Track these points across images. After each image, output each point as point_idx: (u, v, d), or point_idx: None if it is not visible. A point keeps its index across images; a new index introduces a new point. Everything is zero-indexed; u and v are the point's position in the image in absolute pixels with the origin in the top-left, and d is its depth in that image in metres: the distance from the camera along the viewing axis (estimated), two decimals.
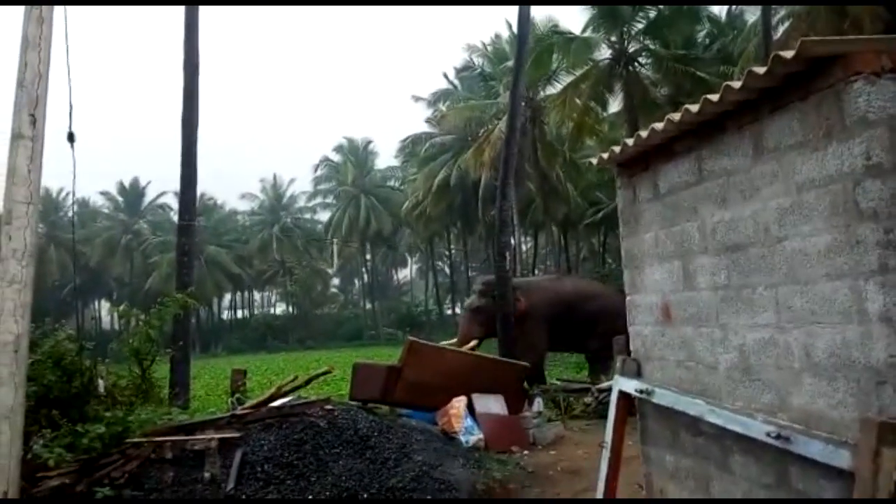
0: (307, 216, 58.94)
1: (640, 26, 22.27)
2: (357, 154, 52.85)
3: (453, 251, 53.09)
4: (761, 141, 3.24)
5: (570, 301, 13.52)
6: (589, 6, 22.22)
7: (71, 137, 6.08)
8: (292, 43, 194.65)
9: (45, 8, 5.34)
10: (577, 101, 22.68)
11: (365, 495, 5.94)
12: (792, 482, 3.09)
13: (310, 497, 5.89)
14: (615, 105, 24.03)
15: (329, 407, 7.19)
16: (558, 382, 12.50)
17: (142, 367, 8.09)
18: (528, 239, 43.64)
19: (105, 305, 58.73)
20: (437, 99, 37.48)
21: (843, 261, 2.76)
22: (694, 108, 3.48)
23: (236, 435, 6.50)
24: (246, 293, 64.80)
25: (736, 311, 3.46)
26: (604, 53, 22.95)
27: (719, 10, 23.70)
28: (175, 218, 20.76)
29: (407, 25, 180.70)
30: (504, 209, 13.64)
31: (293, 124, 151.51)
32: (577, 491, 6.54)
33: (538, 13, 23.27)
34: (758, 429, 3.15)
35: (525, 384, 10.48)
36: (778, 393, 3.17)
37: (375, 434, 6.83)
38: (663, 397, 4.06)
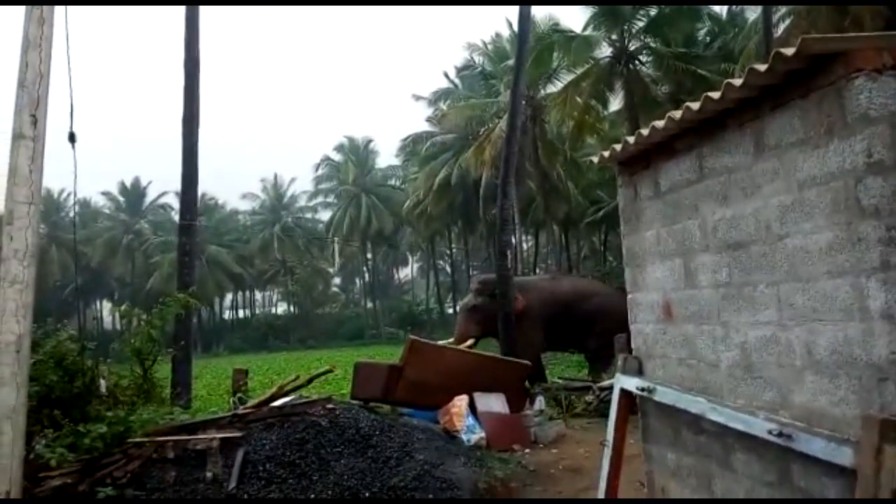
0: (308, 215, 58.98)
1: (641, 24, 22.24)
2: (358, 153, 52.86)
3: (454, 250, 53.08)
4: (762, 138, 3.24)
5: (566, 300, 13.52)
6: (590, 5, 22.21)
7: (72, 137, 6.09)
8: (292, 42, 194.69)
9: (45, 8, 5.34)
10: (578, 99, 22.66)
11: (367, 494, 5.94)
12: (794, 480, 3.09)
13: (311, 496, 5.89)
14: (616, 103, 24.00)
15: (331, 406, 7.20)
16: (560, 381, 12.50)
17: (143, 367, 8.11)
18: (529, 238, 43.63)
19: (107, 305, 58.75)
20: (437, 98, 37.47)
21: (845, 258, 2.75)
22: (695, 105, 3.47)
23: (238, 434, 6.51)
24: (247, 293, 64.83)
25: (737, 308, 3.46)
26: (604, 51, 22.92)
27: (720, 8, 23.68)
28: (176, 218, 20.78)
29: (407, 24, 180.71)
30: (505, 208, 13.63)
31: (294, 124, 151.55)
32: (578, 489, 6.55)
33: (539, 11, 23.27)
34: (759, 426, 3.15)
35: (526, 383, 10.48)
36: (780, 391, 3.17)
37: (377, 433, 6.84)
38: (665, 395, 4.06)
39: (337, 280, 68.30)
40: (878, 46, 2.70)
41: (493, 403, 8.87)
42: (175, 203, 47.76)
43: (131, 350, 8.07)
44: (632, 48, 22.81)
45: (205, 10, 12.62)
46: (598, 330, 12.93)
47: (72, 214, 51.60)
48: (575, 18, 32.17)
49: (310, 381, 8.84)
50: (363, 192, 49.73)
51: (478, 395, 8.77)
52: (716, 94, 3.29)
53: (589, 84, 22.38)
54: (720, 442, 3.65)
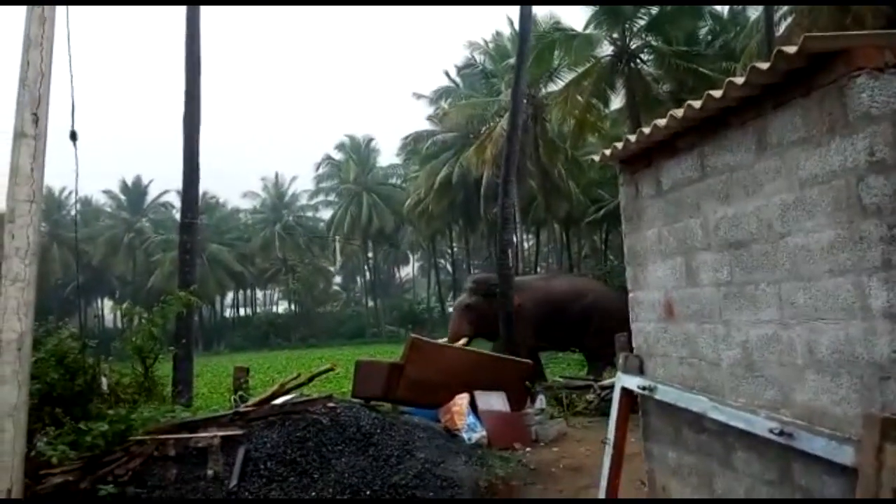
0: (309, 214, 59.00)
1: (643, 23, 22.19)
2: (359, 152, 52.84)
3: (455, 249, 53.05)
4: (764, 137, 3.23)
5: (560, 299, 13.53)
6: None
7: (73, 136, 6.10)
8: (293, 41, 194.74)
9: (47, 7, 5.34)
10: (579, 98, 22.62)
11: (367, 492, 5.95)
12: (795, 479, 3.09)
13: (312, 494, 5.90)
14: (617, 102, 23.95)
15: (332, 404, 7.20)
16: (561, 380, 12.50)
17: (145, 365, 8.11)
18: (531, 236, 43.60)
19: (108, 304, 58.72)
20: (438, 96, 37.43)
21: (847, 257, 2.75)
22: (697, 104, 3.47)
23: (239, 432, 6.52)
24: (248, 291, 64.84)
25: (739, 307, 3.46)
26: (606, 50, 22.88)
27: (722, 7, 23.63)
28: (177, 216, 20.78)
29: (408, 23, 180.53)
30: (506, 207, 13.63)
31: (295, 123, 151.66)
32: (579, 488, 6.55)
33: (540, 10, 23.19)
34: (761, 425, 3.15)
35: (527, 381, 10.48)
36: (781, 389, 3.17)
37: (378, 431, 6.84)
38: (666, 394, 4.06)
39: (338, 279, 68.31)
40: (879, 45, 2.70)
41: (494, 402, 8.87)
42: (176, 201, 47.82)
43: (132, 348, 8.08)
44: (633, 47, 22.77)
45: (205, 10, 12.64)
46: (593, 328, 12.97)
47: (73, 213, 51.77)
48: (576, 17, 32.24)
49: (311, 379, 8.85)
50: (364, 191, 49.73)
51: (479, 394, 8.77)
52: (718, 93, 3.29)
53: (590, 82, 22.35)
54: (721, 441, 3.65)
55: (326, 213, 55.66)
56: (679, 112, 3.66)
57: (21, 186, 5.17)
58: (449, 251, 55.47)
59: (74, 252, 44.97)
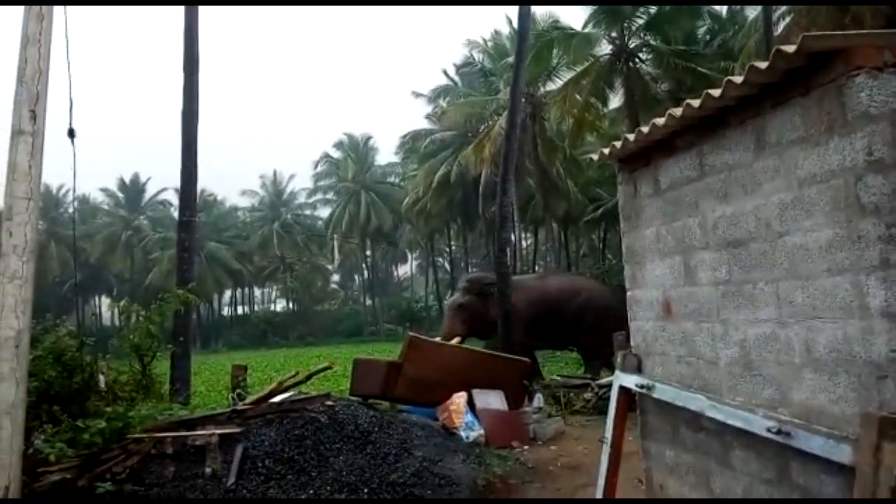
0: (307, 212, 58.98)
1: (641, 22, 22.18)
2: (357, 150, 52.82)
3: (453, 247, 53.06)
4: (763, 136, 3.24)
5: (552, 299, 13.54)
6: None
7: (71, 133, 6.09)
8: (291, 40, 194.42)
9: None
10: (578, 96, 22.61)
11: (365, 490, 5.95)
12: (792, 477, 3.10)
13: (310, 492, 5.90)
14: (615, 101, 23.95)
15: (330, 402, 7.20)
16: (559, 378, 12.52)
17: (142, 363, 8.10)
18: (529, 235, 43.61)
19: (105, 301, 58.74)
20: (437, 95, 37.40)
21: (845, 256, 2.75)
22: (695, 103, 3.47)
23: (237, 430, 6.52)
24: (246, 289, 64.81)
25: (737, 306, 3.46)
26: (604, 49, 22.87)
27: (720, 6, 23.64)
28: (175, 214, 20.73)
29: (406, 22, 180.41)
30: (504, 205, 13.63)
31: (293, 121, 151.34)
32: (577, 486, 6.56)
33: (538, 9, 23.21)
34: (758, 424, 3.15)
35: (525, 380, 10.49)
36: (779, 388, 3.17)
37: (376, 429, 6.85)
38: (664, 392, 4.06)
39: (336, 277, 68.30)
40: (878, 44, 2.70)
41: (492, 400, 8.88)
42: (174, 199, 47.75)
43: (130, 346, 8.07)
44: (632, 46, 22.76)
45: (204, 8, 12.61)
46: (588, 326, 13.00)
47: (71, 210, 51.69)
48: (575, 16, 32.23)
49: (309, 377, 8.83)
50: (362, 189, 49.71)
51: (477, 392, 8.78)
52: (716, 92, 3.29)
53: (589, 81, 22.34)
54: (719, 439, 3.65)
55: (325, 212, 55.70)
56: (678, 111, 3.66)
57: (19, 183, 5.17)
58: (447, 250, 55.51)
59: (72, 250, 44.87)
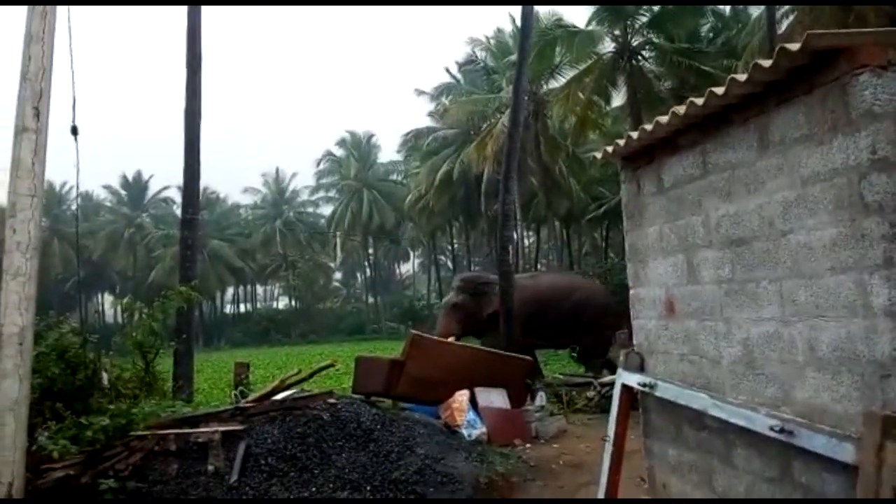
0: (310, 210, 58.94)
1: (644, 20, 22.14)
2: (359, 148, 52.78)
3: (456, 245, 53.03)
4: (766, 134, 3.23)
5: (546, 298, 13.53)
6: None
7: (74, 131, 6.11)
8: (294, 38, 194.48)
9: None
10: (581, 95, 22.57)
11: (368, 488, 5.96)
12: (795, 476, 3.10)
13: (313, 490, 5.91)
14: (619, 99, 23.90)
15: (332, 400, 7.21)
16: (561, 377, 12.52)
17: (145, 360, 8.12)
18: (531, 233, 43.61)
19: (108, 299, 58.81)
20: (439, 93, 37.40)
21: (848, 254, 2.75)
22: (699, 101, 3.47)
23: (240, 428, 6.53)
24: (249, 287, 64.84)
25: (740, 304, 3.46)
26: (607, 47, 22.83)
27: (723, 4, 23.57)
28: (178, 212, 20.76)
29: (409, 19, 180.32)
30: (507, 203, 13.61)
31: (295, 119, 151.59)
32: (579, 485, 6.56)
33: (542, 7, 23.18)
34: (761, 423, 3.15)
35: (527, 378, 10.50)
36: (782, 387, 3.17)
37: (378, 427, 6.85)
38: (666, 391, 4.06)
39: (338, 275, 68.29)
40: (882, 43, 2.69)
41: (494, 398, 8.88)
42: (177, 197, 47.85)
43: (133, 343, 8.08)
44: (635, 44, 22.73)
45: (207, 7, 12.62)
46: (583, 324, 13.00)
47: (74, 207, 51.72)
48: (578, 14, 32.15)
49: (311, 375, 8.86)
50: (365, 187, 49.69)
51: (479, 390, 8.78)
52: (720, 90, 3.28)
53: (592, 80, 22.30)
54: (721, 438, 3.65)
55: (327, 210, 55.69)
56: (681, 109, 3.66)
57: (22, 180, 5.18)
58: (449, 248, 55.45)
59: (75, 247, 44.88)
